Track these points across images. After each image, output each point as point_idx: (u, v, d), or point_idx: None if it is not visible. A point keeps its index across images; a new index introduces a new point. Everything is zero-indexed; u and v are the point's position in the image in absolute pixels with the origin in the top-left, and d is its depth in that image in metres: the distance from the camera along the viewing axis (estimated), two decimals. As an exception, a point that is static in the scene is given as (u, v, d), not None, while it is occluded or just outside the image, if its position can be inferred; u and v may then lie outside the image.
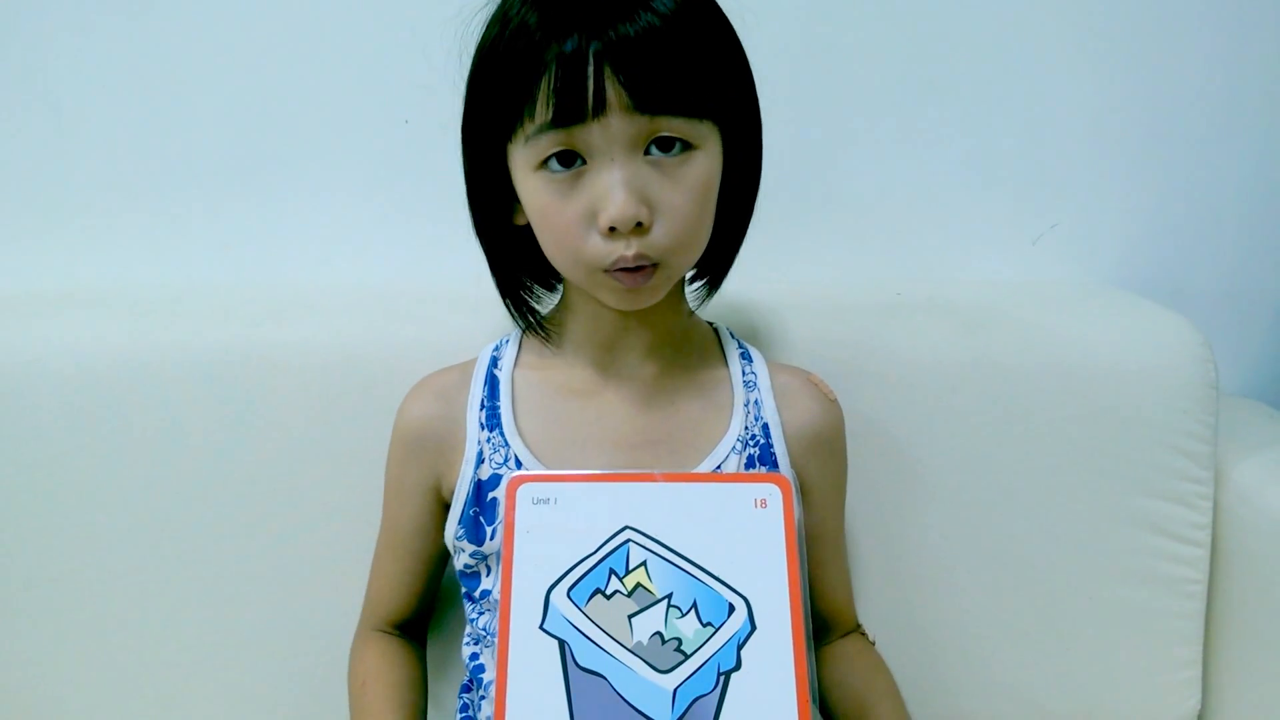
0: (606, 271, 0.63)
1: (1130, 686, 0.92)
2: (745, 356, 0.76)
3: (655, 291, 0.66)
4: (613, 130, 0.59)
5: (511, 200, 0.67)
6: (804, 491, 0.74)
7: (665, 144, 0.61)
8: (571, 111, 0.58)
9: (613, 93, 0.58)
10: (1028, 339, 0.91)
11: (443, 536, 0.75)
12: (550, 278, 0.75)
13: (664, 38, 0.58)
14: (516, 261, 0.72)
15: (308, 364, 0.86)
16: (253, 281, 1.00)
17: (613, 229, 0.60)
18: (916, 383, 0.89)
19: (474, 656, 0.74)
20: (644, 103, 0.58)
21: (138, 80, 0.98)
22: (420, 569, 0.77)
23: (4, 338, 0.87)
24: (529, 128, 0.60)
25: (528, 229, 0.68)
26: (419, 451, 0.74)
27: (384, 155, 1.01)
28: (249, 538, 0.87)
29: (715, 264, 0.73)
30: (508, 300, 0.74)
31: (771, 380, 0.74)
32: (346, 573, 0.86)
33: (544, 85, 0.58)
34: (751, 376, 0.74)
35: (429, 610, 0.82)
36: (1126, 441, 0.89)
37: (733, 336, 0.78)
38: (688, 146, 0.62)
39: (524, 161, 0.63)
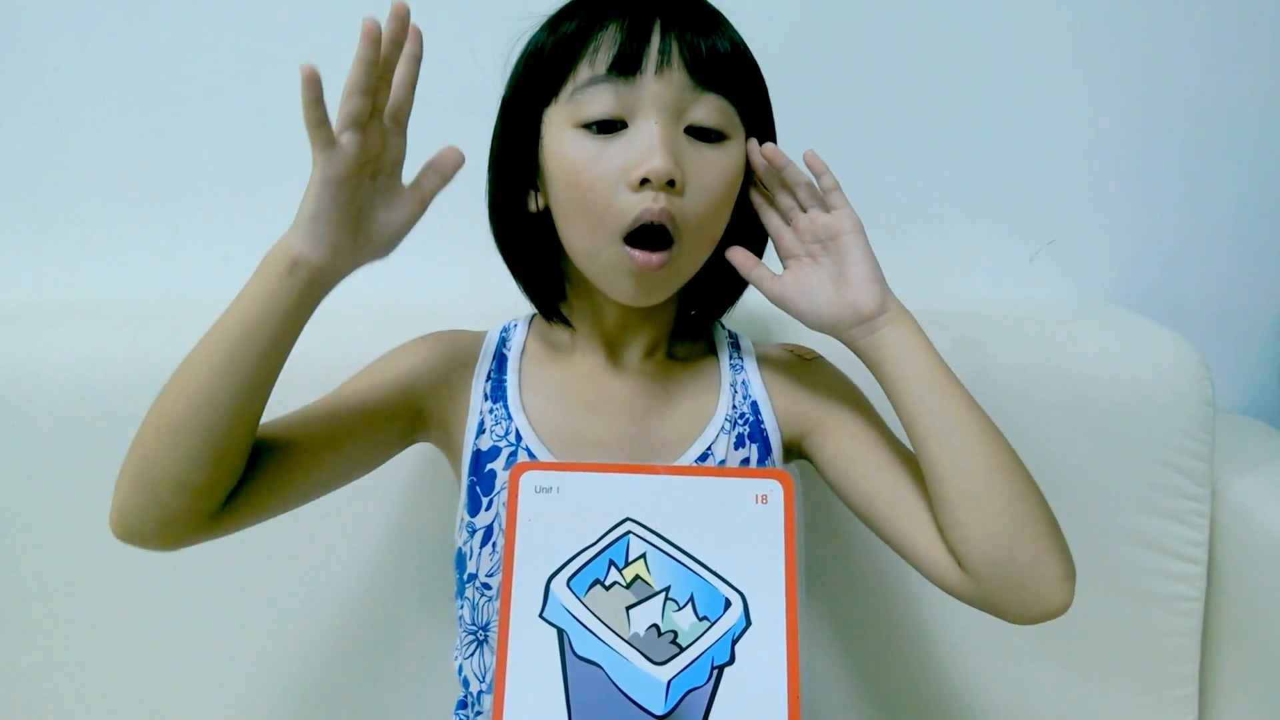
0: (625, 243, 0.63)
1: (1127, 703, 0.92)
2: (734, 344, 0.78)
3: (664, 283, 0.67)
4: (663, 90, 0.62)
5: (529, 185, 0.69)
6: (831, 438, 0.72)
7: (702, 133, 0.64)
8: (632, 61, 0.62)
9: (675, 53, 0.62)
10: (1024, 355, 0.92)
11: (364, 454, 0.71)
12: (555, 282, 0.75)
13: (727, 49, 0.65)
14: (527, 252, 0.72)
15: (306, 377, 0.83)
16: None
17: (645, 181, 0.61)
18: (915, 397, 0.89)
19: (461, 670, 0.74)
20: (699, 70, 0.63)
21: (139, 91, 0.98)
22: (323, 434, 0.68)
23: (3, 348, 0.87)
24: (580, 78, 0.63)
25: (539, 217, 0.69)
26: (424, 372, 0.72)
27: (384, 169, 1.02)
28: (247, 549, 0.85)
29: (720, 298, 0.76)
30: (522, 284, 0.74)
31: (757, 360, 0.76)
32: (348, 583, 0.87)
33: (610, 33, 0.62)
34: (739, 360, 0.76)
35: (285, 461, 0.67)
36: (1122, 458, 0.90)
37: (723, 326, 0.80)
38: (722, 137, 0.65)
39: (562, 119, 0.64)
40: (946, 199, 1.06)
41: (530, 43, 0.68)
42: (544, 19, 0.68)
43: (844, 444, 0.71)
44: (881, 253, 1.06)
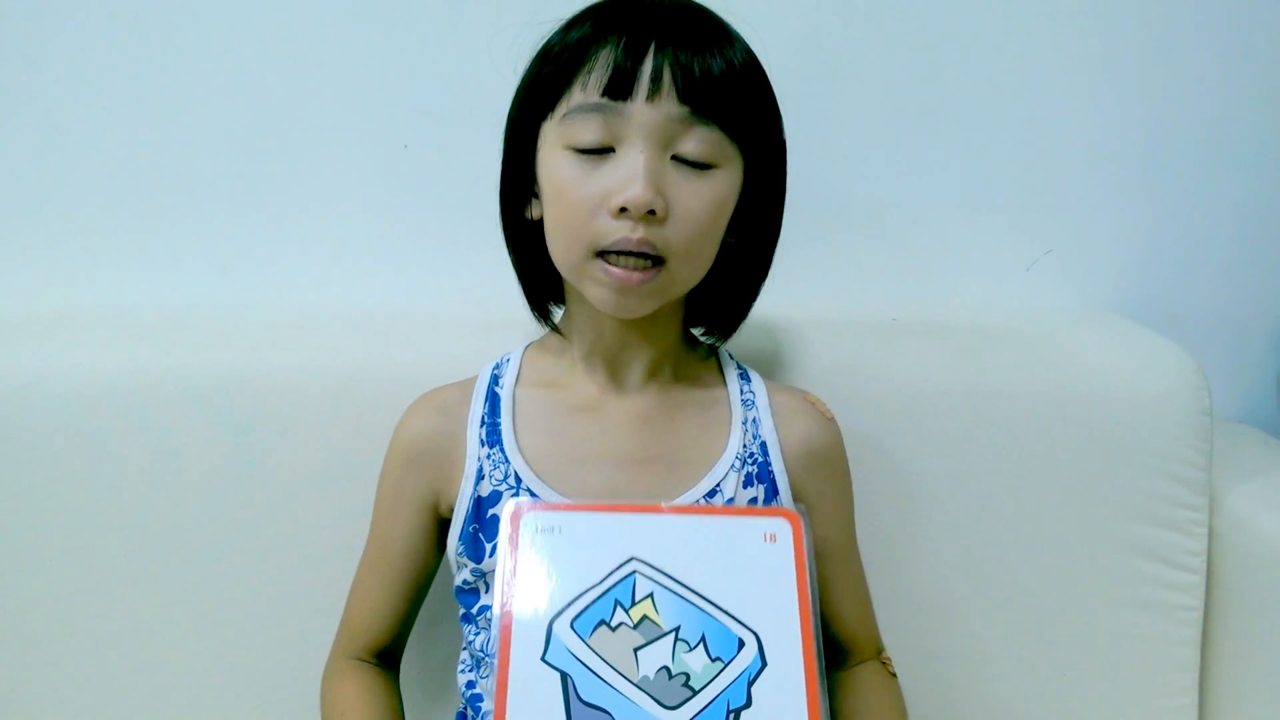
0: (601, 256, 0.64)
1: (1126, 713, 0.92)
2: (744, 377, 0.77)
3: (645, 299, 0.66)
4: (652, 118, 0.62)
5: (528, 192, 0.69)
6: (815, 529, 0.74)
7: (691, 161, 0.63)
8: (623, 86, 0.61)
9: (667, 79, 0.61)
10: (1022, 365, 0.91)
11: (433, 556, 0.76)
12: (552, 287, 0.75)
13: (725, 72, 0.63)
14: (528, 258, 0.73)
15: (306, 387, 0.86)
16: (251, 304, 0.99)
17: (624, 210, 0.61)
18: (911, 407, 0.89)
19: (470, 685, 0.73)
20: (692, 97, 0.61)
21: (137, 101, 0.97)
22: (406, 590, 0.76)
23: (0, 359, 0.86)
24: (573, 100, 0.63)
25: (537, 225, 0.69)
26: (418, 465, 0.73)
27: (383, 179, 1.01)
28: (246, 562, 0.86)
29: (728, 315, 0.75)
30: (526, 294, 0.75)
31: (770, 399, 0.75)
32: (344, 598, 0.85)
33: (606, 53, 0.62)
34: (750, 396, 0.75)
35: (405, 640, 0.80)
36: (1121, 467, 0.89)
37: (731, 357, 0.79)
38: (710, 167, 0.64)
39: (555, 139, 0.65)
40: (945, 207, 1.06)
41: (544, 44, 0.68)
42: (561, 22, 0.67)
43: (826, 537, 0.75)
44: (880, 261, 1.07)
